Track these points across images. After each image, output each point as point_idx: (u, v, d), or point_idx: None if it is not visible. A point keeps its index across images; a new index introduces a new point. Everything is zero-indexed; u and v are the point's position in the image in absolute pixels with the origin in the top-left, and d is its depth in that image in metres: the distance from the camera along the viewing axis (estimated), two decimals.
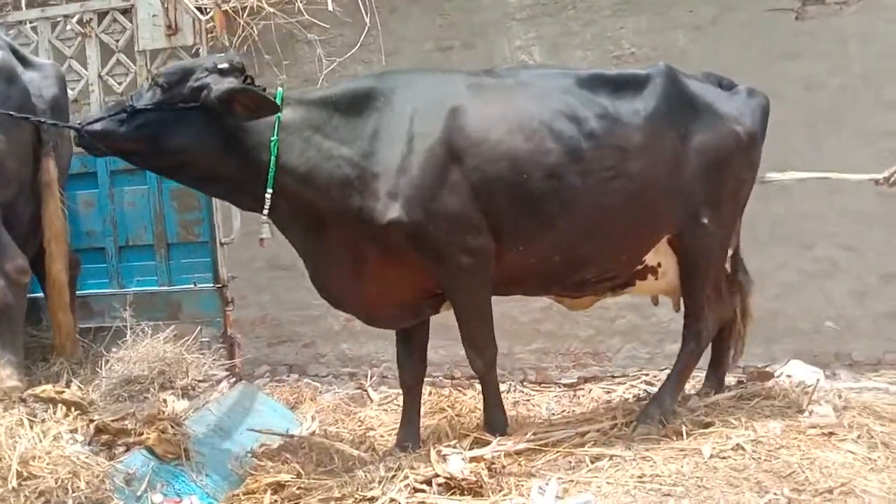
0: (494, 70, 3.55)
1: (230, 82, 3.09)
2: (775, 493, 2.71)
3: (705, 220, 3.46)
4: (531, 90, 3.38)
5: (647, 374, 5.00)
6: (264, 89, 3.20)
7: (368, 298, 3.40)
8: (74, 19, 4.60)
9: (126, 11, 4.53)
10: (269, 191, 3.15)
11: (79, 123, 3.31)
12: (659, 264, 3.62)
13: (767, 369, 4.56)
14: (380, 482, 2.99)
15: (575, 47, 5.09)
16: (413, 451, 3.40)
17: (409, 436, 3.58)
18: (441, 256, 3.22)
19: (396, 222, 3.12)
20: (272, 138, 3.13)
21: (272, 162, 3.13)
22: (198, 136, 3.14)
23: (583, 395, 4.87)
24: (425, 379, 5.11)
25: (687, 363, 3.67)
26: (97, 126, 3.21)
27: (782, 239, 4.83)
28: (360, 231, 3.20)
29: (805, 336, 4.82)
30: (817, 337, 4.80)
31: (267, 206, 3.17)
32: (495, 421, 3.54)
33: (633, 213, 3.38)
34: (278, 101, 3.16)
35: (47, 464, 2.76)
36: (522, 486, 2.92)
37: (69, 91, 4.36)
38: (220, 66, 3.16)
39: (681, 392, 3.72)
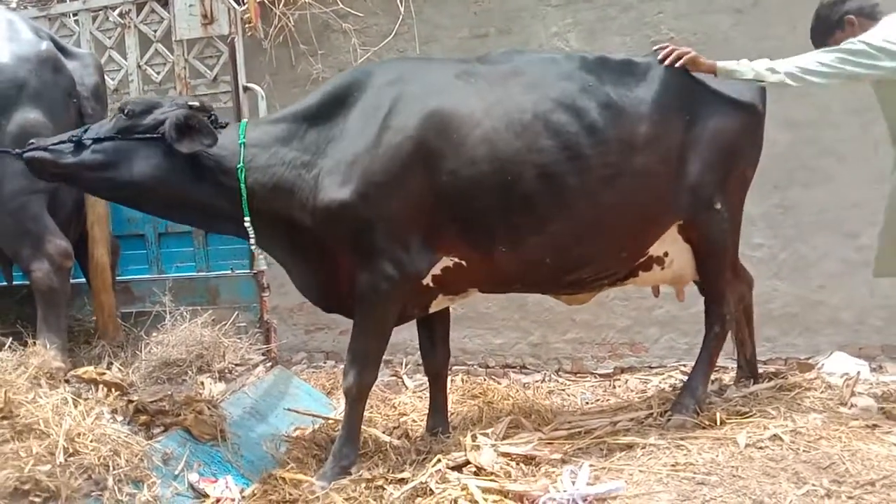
0: (489, 56, 3.37)
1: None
2: (814, 485, 2.63)
3: (719, 206, 3.30)
4: (526, 78, 3.16)
5: (685, 365, 4.92)
6: (226, 124, 3.25)
7: (347, 301, 3.26)
8: (115, 11, 4.71)
9: (164, 2, 4.63)
10: (247, 219, 3.12)
11: (29, 144, 3.23)
12: (666, 253, 3.43)
13: (810, 361, 4.46)
14: (411, 464, 3.01)
15: (612, 33, 5.01)
16: (443, 436, 3.41)
17: (439, 422, 3.58)
18: (370, 258, 3.06)
19: (343, 205, 2.98)
20: (238, 165, 3.09)
21: (243, 189, 3.09)
22: (159, 167, 3.09)
23: (619, 386, 4.82)
24: (459, 367, 5.19)
25: (714, 349, 3.57)
26: (42, 153, 3.16)
27: (826, 227, 4.70)
28: (320, 230, 3.09)
29: (849, 327, 4.68)
30: (862, 328, 4.66)
31: (252, 235, 3.15)
32: (343, 453, 3.18)
33: (637, 209, 3.20)
34: (242, 130, 3.15)
35: (90, 441, 2.84)
36: (553, 472, 2.90)
37: (110, 81, 4.48)
38: (189, 104, 3.17)
39: (710, 378, 3.65)
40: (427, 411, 3.71)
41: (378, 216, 3.00)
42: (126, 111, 3.15)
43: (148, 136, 3.09)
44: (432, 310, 3.39)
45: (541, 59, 3.34)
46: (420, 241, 3.07)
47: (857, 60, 3.11)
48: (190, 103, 3.18)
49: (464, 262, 3.16)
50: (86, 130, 3.20)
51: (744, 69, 3.25)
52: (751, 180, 3.57)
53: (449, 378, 4.83)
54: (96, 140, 3.12)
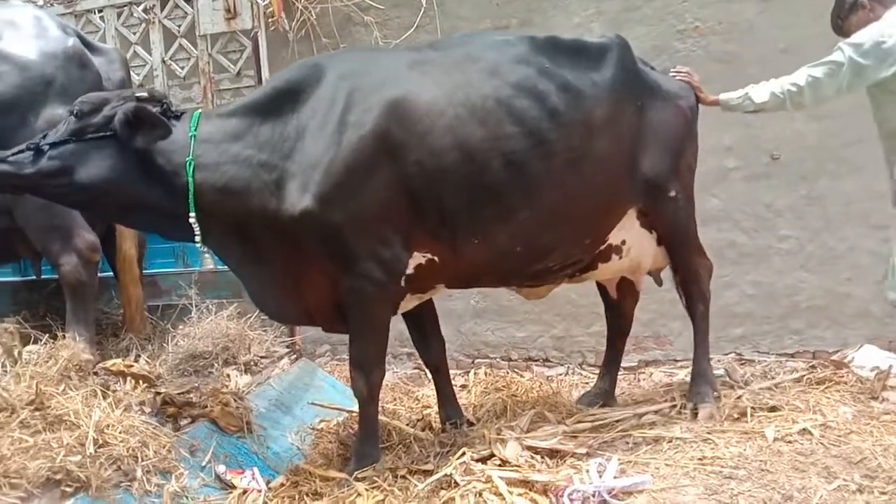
0: (439, 42, 3.28)
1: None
2: (845, 479, 2.59)
3: (674, 193, 3.41)
4: (483, 63, 3.06)
5: (710, 358, 4.86)
6: (180, 114, 3.07)
7: (307, 308, 3.15)
8: (140, 7, 4.76)
9: None
10: (192, 215, 2.93)
11: None
12: (623, 242, 3.44)
13: (839, 354, 4.39)
14: (435, 457, 3.01)
15: (636, 22, 4.95)
16: (460, 426, 3.43)
17: (452, 412, 3.56)
18: (350, 262, 2.93)
19: (308, 213, 2.84)
20: (188, 159, 2.93)
21: (190, 184, 2.92)
22: (114, 167, 2.93)
23: (644, 379, 4.79)
24: (482, 360, 5.19)
25: (705, 328, 3.69)
26: (2, 166, 2.96)
27: (854, 219, 4.62)
28: (284, 236, 2.95)
29: (878, 320, 4.60)
30: (892, 321, 4.56)
31: (197, 232, 2.97)
32: (363, 455, 3.13)
33: (599, 193, 3.19)
34: (194, 122, 2.99)
35: (119, 432, 2.88)
36: (579, 465, 2.89)
37: (135, 76, 4.52)
38: (137, 95, 3.01)
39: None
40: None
41: (348, 218, 2.87)
42: (75, 112, 2.99)
43: (100, 135, 2.94)
44: (401, 310, 3.28)
45: (494, 42, 3.24)
46: (397, 238, 2.96)
47: (843, 72, 3.27)
48: (137, 94, 3.02)
49: (436, 258, 3.06)
50: (44, 136, 3.02)
51: (745, 103, 3.47)
52: (695, 170, 3.65)
53: (472, 372, 4.89)
54: (52, 145, 2.96)
